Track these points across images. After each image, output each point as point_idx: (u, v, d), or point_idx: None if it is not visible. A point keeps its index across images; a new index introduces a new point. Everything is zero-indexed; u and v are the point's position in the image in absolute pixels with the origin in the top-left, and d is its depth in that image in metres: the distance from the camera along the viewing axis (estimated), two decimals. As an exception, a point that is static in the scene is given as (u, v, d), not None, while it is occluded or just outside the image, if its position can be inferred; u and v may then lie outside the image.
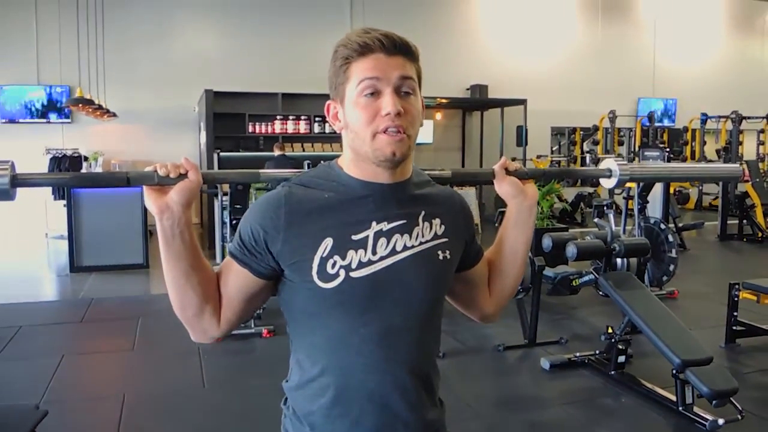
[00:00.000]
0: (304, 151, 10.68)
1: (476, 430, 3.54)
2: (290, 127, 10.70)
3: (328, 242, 1.18)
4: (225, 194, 6.92)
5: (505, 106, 12.53)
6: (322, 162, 1.32)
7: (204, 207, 10.07)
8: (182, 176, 1.18)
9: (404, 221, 1.24)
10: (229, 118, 10.26)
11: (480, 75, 12.47)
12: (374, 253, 1.20)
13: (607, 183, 1.53)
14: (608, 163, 1.54)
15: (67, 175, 1.23)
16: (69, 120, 10.83)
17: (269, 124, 10.65)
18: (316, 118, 10.76)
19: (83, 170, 9.50)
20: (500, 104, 12.53)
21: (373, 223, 1.21)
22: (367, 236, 1.20)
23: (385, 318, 1.21)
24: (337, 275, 1.18)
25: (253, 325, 4.90)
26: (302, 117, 10.73)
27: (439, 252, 1.27)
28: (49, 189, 9.62)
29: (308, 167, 7.65)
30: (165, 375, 4.35)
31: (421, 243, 1.25)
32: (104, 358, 4.77)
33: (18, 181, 1.17)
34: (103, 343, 5.08)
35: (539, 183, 5.09)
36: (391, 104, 1.15)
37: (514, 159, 12.59)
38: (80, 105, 8.55)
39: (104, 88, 9.48)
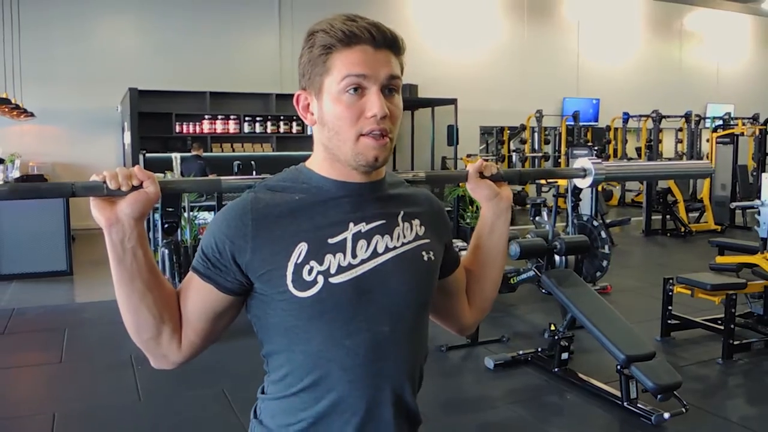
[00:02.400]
0: (233, 151, 10.46)
1: (425, 433, 3.49)
2: (219, 126, 10.45)
3: (303, 247, 1.09)
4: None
5: (435, 105, 12.60)
6: (287, 167, 1.21)
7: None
8: (135, 188, 1.05)
9: (383, 221, 1.15)
10: (154, 118, 9.94)
11: (410, 75, 12.40)
12: (354, 256, 1.11)
13: (581, 183, 1.49)
14: (583, 162, 1.49)
15: (5, 187, 1.09)
16: (-18, 120, 10.26)
17: (197, 123, 10.38)
18: (246, 118, 10.56)
19: (-1, 173, 9.01)
20: (431, 104, 12.59)
21: (351, 225, 1.12)
22: (345, 238, 1.11)
23: (371, 327, 1.12)
24: (315, 282, 1.08)
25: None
26: (231, 117, 10.51)
27: (423, 253, 1.19)
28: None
29: (237, 168, 7.45)
30: (97, 389, 4.11)
31: (403, 244, 1.17)
32: (30, 372, 4.49)
33: None
34: (28, 357, 4.78)
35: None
36: (378, 106, 1.07)
37: (444, 158, 12.83)
38: (-6, 104, 8.09)
39: (21, 86, 9.01)
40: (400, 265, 1.15)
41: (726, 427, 3.58)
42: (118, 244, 1.05)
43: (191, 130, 10.31)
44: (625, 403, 3.65)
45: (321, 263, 1.08)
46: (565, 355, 4.20)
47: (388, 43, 1.10)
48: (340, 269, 1.09)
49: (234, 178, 1.26)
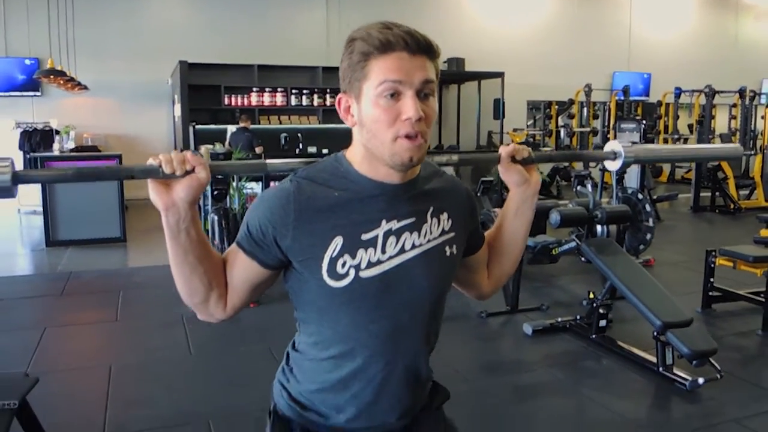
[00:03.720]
0: (281, 123, 10.62)
1: (464, 393, 3.59)
2: (267, 99, 10.61)
3: (338, 241, 1.20)
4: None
5: (482, 79, 12.54)
6: (328, 156, 1.31)
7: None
8: (188, 172, 1.15)
9: (413, 219, 1.26)
10: (204, 90, 10.14)
11: (457, 48, 12.40)
12: (383, 252, 1.22)
13: (611, 165, 1.54)
14: (613, 145, 1.54)
15: (69, 170, 1.19)
16: (39, 93, 10.61)
17: (245, 96, 10.56)
18: (293, 91, 10.69)
19: (55, 144, 9.31)
20: (477, 77, 12.53)
21: (383, 222, 1.23)
22: (377, 235, 1.22)
23: (392, 316, 1.25)
24: (346, 275, 1.20)
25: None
26: (279, 89, 10.65)
27: (447, 248, 1.30)
28: (20, 158, 9.43)
29: (284, 140, 7.65)
30: (151, 344, 4.33)
31: (429, 240, 1.27)
32: (88, 329, 4.73)
33: (19, 178, 1.13)
34: (85, 315, 5.03)
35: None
36: (413, 110, 1.13)
37: (490, 132, 12.78)
38: (51, 77, 8.39)
39: (75, 60, 9.31)
40: (424, 261, 1.26)
41: (760, 394, 3.59)
42: (174, 225, 1.17)
43: (239, 103, 10.50)
44: (660, 369, 3.69)
45: (354, 257, 1.20)
46: (603, 323, 4.25)
47: (423, 49, 1.16)
48: (370, 264, 1.21)
49: (279, 161, 1.35)
